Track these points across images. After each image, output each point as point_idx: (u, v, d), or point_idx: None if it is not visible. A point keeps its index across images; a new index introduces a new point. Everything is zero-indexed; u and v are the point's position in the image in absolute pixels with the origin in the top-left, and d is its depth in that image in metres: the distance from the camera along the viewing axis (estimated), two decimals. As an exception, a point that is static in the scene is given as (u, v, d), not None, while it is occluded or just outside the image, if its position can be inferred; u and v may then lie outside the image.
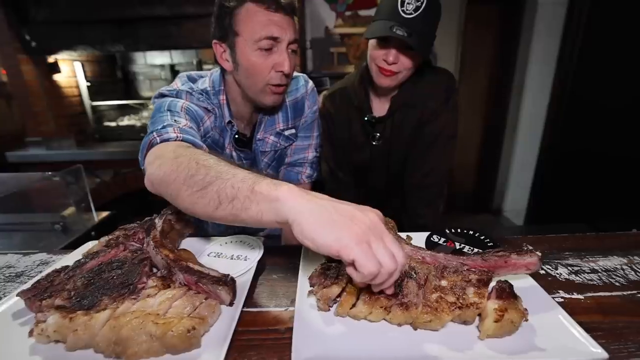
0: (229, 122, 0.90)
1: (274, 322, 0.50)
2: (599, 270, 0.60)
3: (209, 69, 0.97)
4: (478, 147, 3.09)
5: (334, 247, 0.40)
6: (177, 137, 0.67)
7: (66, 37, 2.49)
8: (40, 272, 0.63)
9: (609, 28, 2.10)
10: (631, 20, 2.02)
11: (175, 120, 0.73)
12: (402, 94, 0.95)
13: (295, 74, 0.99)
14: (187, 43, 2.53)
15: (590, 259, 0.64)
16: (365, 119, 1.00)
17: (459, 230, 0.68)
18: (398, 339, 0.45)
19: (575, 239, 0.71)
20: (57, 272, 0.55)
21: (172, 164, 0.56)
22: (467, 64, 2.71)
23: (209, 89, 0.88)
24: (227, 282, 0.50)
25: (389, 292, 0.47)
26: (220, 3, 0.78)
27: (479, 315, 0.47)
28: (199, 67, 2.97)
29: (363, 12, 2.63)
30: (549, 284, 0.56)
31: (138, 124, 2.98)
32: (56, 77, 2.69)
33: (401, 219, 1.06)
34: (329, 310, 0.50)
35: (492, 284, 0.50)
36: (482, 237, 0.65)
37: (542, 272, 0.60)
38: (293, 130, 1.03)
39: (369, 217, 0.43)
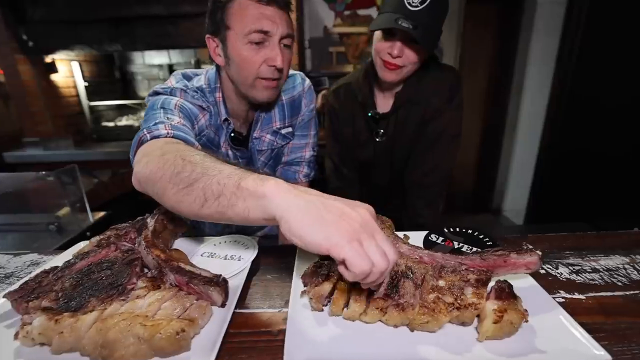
0: (225, 120, 0.89)
1: (267, 324, 0.48)
2: (601, 269, 0.59)
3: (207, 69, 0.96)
4: (477, 147, 3.08)
5: (324, 246, 0.38)
6: (168, 133, 0.65)
7: (63, 37, 2.48)
8: (31, 273, 0.62)
9: (608, 27, 2.09)
10: (630, 19, 2.01)
11: (167, 118, 0.72)
12: (406, 90, 0.94)
13: (292, 72, 0.98)
14: (185, 42, 2.52)
15: (592, 258, 0.63)
16: (369, 114, 0.98)
17: (457, 229, 0.66)
18: (394, 341, 0.44)
19: (576, 238, 0.70)
20: (45, 273, 0.54)
21: (159, 162, 0.55)
22: (466, 63, 2.70)
23: (204, 86, 0.87)
24: (219, 282, 0.49)
25: (380, 289, 0.45)
26: None
27: (478, 316, 0.46)
28: (197, 66, 2.97)
29: (362, 12, 2.62)
30: (550, 284, 0.55)
31: (136, 124, 2.96)
32: (53, 77, 2.68)
33: (401, 218, 1.05)
34: (323, 309, 0.49)
35: (491, 284, 0.49)
36: (481, 236, 0.64)
37: (543, 271, 0.59)
38: (290, 129, 1.02)
39: (359, 213, 0.41)
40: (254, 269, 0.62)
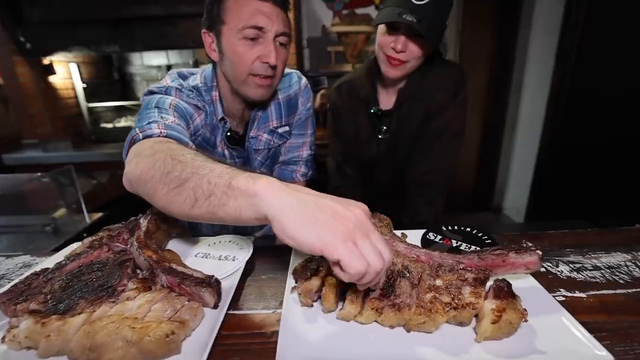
0: (222, 119, 0.88)
1: (261, 326, 0.47)
2: (602, 267, 0.58)
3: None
4: (477, 145, 3.07)
5: (317, 246, 0.37)
6: (161, 133, 0.64)
7: (61, 38, 2.48)
8: (22, 275, 0.61)
9: (607, 24, 2.08)
10: (629, 16, 2.00)
11: (161, 117, 0.71)
12: (410, 86, 0.92)
13: (288, 70, 0.97)
14: (183, 43, 2.51)
15: (593, 255, 0.61)
16: (372, 111, 0.97)
17: (455, 228, 0.65)
18: (390, 342, 0.43)
19: (577, 235, 0.69)
20: (35, 274, 0.53)
21: (149, 161, 0.54)
22: (465, 61, 2.68)
23: (200, 85, 0.86)
24: (212, 283, 0.48)
25: (375, 289, 0.44)
26: None
27: (476, 316, 0.44)
28: (195, 67, 2.95)
29: (360, 11, 2.61)
30: (550, 282, 0.54)
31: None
32: (51, 78, 2.68)
33: (401, 217, 1.04)
34: (312, 305, 0.48)
35: (490, 282, 0.48)
36: (479, 235, 0.63)
37: (543, 269, 0.58)
38: (287, 128, 1.01)
39: (353, 213, 0.40)
40: (249, 269, 0.61)
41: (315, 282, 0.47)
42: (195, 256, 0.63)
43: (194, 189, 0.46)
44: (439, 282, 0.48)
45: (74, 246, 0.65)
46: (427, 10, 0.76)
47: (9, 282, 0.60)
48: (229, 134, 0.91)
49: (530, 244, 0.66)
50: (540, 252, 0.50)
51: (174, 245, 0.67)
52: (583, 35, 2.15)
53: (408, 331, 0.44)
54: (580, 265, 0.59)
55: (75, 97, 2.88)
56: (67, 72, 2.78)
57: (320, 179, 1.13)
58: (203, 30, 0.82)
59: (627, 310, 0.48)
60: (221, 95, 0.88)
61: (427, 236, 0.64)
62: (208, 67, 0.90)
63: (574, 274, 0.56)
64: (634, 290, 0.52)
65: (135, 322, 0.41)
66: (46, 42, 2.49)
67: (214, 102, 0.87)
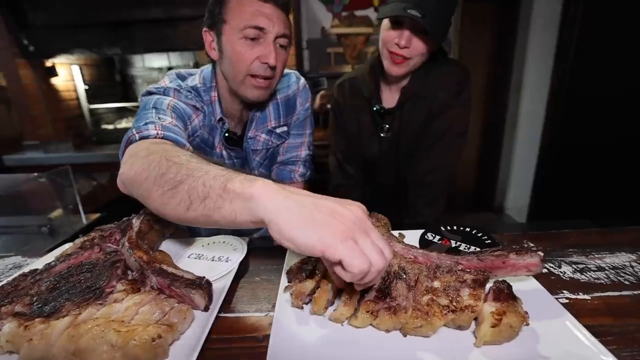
0: (220, 119, 0.87)
1: (253, 329, 0.46)
2: (606, 267, 0.56)
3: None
4: (478, 145, 3.05)
5: (318, 248, 0.36)
6: (158, 134, 0.64)
7: (63, 41, 2.49)
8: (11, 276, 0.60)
9: (606, 22, 2.06)
10: (627, 15, 1.98)
11: (159, 118, 0.70)
12: (413, 84, 0.91)
13: (287, 70, 0.97)
14: (184, 45, 2.52)
15: (596, 255, 0.60)
16: (375, 109, 0.96)
17: (455, 228, 0.64)
18: (386, 347, 0.41)
19: (579, 235, 0.67)
20: (24, 276, 0.52)
21: (144, 163, 0.53)
22: (465, 61, 2.67)
23: (199, 85, 0.86)
24: (202, 285, 0.47)
25: (371, 291, 0.43)
26: None
27: (475, 319, 0.43)
28: (196, 68, 2.96)
29: (359, 13, 2.61)
30: (552, 284, 0.52)
31: (135, 126, 2.96)
32: (54, 80, 2.69)
33: (402, 217, 1.03)
34: (302, 307, 0.47)
35: (489, 284, 0.46)
36: (479, 235, 0.61)
37: (544, 270, 0.56)
38: (285, 128, 1.00)
39: (352, 211, 0.39)
40: (243, 270, 0.59)
41: (309, 285, 0.46)
42: (189, 257, 0.61)
43: (189, 191, 0.45)
44: (436, 284, 0.46)
45: (65, 247, 0.64)
46: (432, 6, 0.75)
47: (-2, 284, 0.59)
48: (227, 134, 0.91)
49: (531, 245, 0.64)
50: (541, 254, 0.49)
51: (167, 245, 0.66)
52: (581, 33, 2.14)
53: (404, 335, 0.42)
54: (584, 266, 0.57)
55: (77, 98, 2.89)
56: (69, 74, 2.80)
57: (319, 180, 1.11)
58: (204, 29, 0.82)
59: (633, 313, 0.46)
60: (220, 95, 0.88)
61: (426, 236, 0.62)
62: (207, 68, 0.89)
63: (577, 275, 0.54)
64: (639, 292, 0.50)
65: (121, 326, 0.39)
66: (49, 45, 2.50)
67: (212, 102, 0.87)
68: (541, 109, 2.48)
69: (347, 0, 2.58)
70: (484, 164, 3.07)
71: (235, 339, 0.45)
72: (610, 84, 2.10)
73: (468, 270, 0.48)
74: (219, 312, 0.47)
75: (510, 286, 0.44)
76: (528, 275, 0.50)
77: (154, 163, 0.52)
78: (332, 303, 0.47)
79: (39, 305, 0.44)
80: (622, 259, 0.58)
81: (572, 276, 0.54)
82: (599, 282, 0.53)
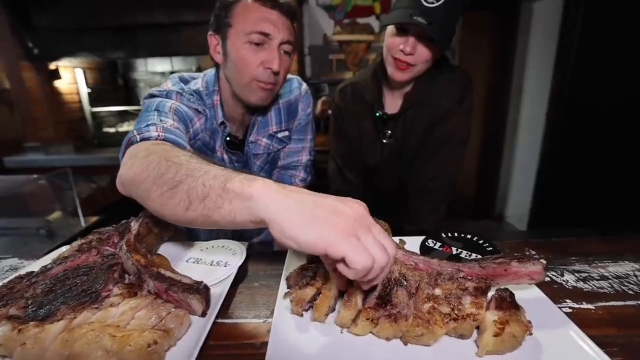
0: (222, 123, 0.88)
1: (251, 335, 0.45)
2: (610, 276, 0.55)
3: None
4: (478, 152, 3.05)
5: (320, 245, 0.36)
6: (159, 136, 0.63)
7: (68, 44, 2.52)
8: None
9: (606, 28, 2.07)
10: (627, 20, 1.99)
11: (160, 120, 0.70)
12: (416, 91, 0.91)
13: (290, 76, 0.97)
14: (187, 50, 2.54)
15: (599, 264, 0.59)
16: (377, 115, 0.95)
17: (456, 235, 0.63)
18: (386, 355, 0.40)
19: (582, 243, 0.66)
20: (20, 278, 0.51)
21: (143, 163, 0.53)
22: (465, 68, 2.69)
23: (201, 89, 0.86)
24: (200, 289, 0.46)
25: (371, 298, 0.42)
26: None
27: (477, 328, 0.42)
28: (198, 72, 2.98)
29: (361, 20, 2.64)
30: (555, 293, 0.51)
31: (137, 130, 2.96)
32: (57, 83, 2.71)
33: (403, 223, 1.02)
34: (302, 315, 0.46)
35: (491, 292, 0.45)
36: (480, 242, 0.61)
37: (547, 278, 0.55)
38: (286, 133, 1.00)
39: (353, 208, 0.39)
40: (241, 275, 0.58)
41: (309, 292, 0.45)
42: (187, 261, 0.61)
43: (188, 191, 0.45)
44: (437, 292, 0.45)
45: (63, 249, 0.64)
46: (439, 13, 0.75)
47: (-7, 286, 0.58)
48: (228, 138, 0.91)
49: (533, 252, 0.64)
50: (544, 261, 0.48)
51: (166, 249, 0.65)
52: (581, 39, 2.14)
53: (405, 344, 0.41)
54: (587, 274, 0.56)
55: (80, 101, 2.91)
56: (72, 77, 2.82)
57: (320, 185, 1.11)
58: (209, 33, 0.82)
59: (638, 323, 0.45)
60: (222, 99, 0.88)
61: (426, 243, 0.62)
62: (210, 71, 0.90)
63: (581, 284, 0.54)
64: (644, 302, 0.49)
65: (117, 331, 0.39)
66: (53, 48, 2.53)
67: (214, 106, 0.87)
68: (541, 116, 2.48)
69: (349, 7, 2.61)
70: (485, 170, 3.07)
71: (233, 345, 0.44)
72: (611, 90, 2.10)
73: (470, 277, 0.47)
74: (217, 317, 0.46)
75: (513, 294, 0.44)
76: (530, 284, 0.49)
77: (153, 163, 0.51)
78: (333, 310, 0.47)
79: (34, 309, 0.43)
80: (625, 267, 0.58)
81: (575, 285, 0.54)
82: (602, 291, 0.52)
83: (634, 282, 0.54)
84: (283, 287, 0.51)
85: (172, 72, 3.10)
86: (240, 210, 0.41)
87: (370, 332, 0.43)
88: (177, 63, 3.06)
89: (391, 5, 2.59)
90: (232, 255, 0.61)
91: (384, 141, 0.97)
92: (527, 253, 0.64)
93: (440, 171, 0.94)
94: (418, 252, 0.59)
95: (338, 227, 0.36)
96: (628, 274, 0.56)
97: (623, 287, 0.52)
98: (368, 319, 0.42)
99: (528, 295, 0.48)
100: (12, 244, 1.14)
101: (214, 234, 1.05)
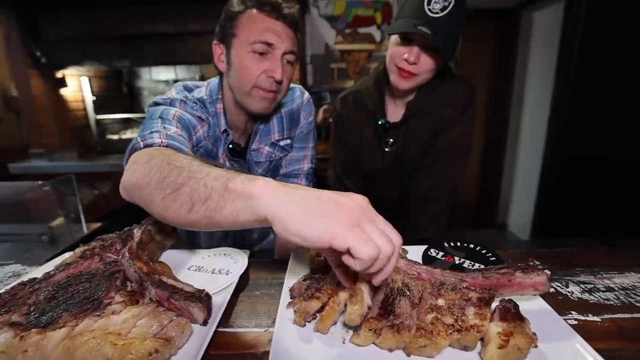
0: (224, 131, 0.88)
1: (252, 345, 0.45)
2: (616, 288, 0.55)
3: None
4: (480, 161, 3.05)
5: (325, 238, 0.36)
6: (162, 142, 0.64)
7: (75, 53, 2.57)
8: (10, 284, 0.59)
9: (607, 36, 2.08)
10: (627, 28, 2.00)
11: (164, 127, 0.71)
12: (419, 100, 0.91)
13: (292, 85, 0.98)
14: (191, 59, 2.58)
15: (605, 275, 0.58)
16: (379, 123, 0.95)
17: (458, 244, 0.63)
18: (389, 366, 0.40)
19: (586, 254, 0.66)
20: (22, 284, 0.51)
21: (145, 168, 0.53)
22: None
23: (205, 97, 0.87)
24: (202, 298, 0.46)
25: (373, 308, 0.41)
26: (226, 8, 0.80)
27: (481, 340, 0.41)
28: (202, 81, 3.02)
29: (362, 30, 2.68)
30: (560, 304, 0.50)
31: (140, 137, 2.99)
32: (63, 91, 2.75)
33: (404, 233, 1.01)
34: (304, 326, 0.45)
35: (495, 303, 0.45)
36: (483, 252, 0.60)
37: (552, 290, 0.54)
38: (288, 141, 1.01)
39: (356, 200, 0.40)
40: (243, 284, 0.58)
41: (314, 305, 0.45)
42: (189, 269, 0.61)
43: (190, 193, 0.45)
44: (441, 302, 0.45)
45: (66, 256, 0.64)
46: (443, 23, 0.75)
47: (-4, 293, 0.58)
48: (231, 145, 0.91)
49: (537, 263, 0.63)
50: (548, 272, 0.48)
51: (167, 257, 0.65)
52: (582, 46, 2.15)
53: (408, 355, 0.41)
54: (592, 286, 0.55)
55: (84, 109, 2.94)
56: (78, 85, 2.86)
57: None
58: (214, 42, 0.84)
59: (645, 336, 0.44)
60: (225, 107, 0.89)
61: (429, 252, 0.61)
62: (214, 80, 0.91)
63: (586, 295, 0.53)
64: (651, 314, 0.48)
65: (118, 339, 0.38)
66: (61, 57, 2.58)
67: (217, 114, 0.88)
68: (543, 124, 2.48)
69: (351, 18, 2.66)
70: (486, 179, 3.06)
71: (234, 355, 0.43)
72: (612, 98, 2.10)
73: (473, 288, 0.47)
74: (218, 326, 0.46)
75: (517, 305, 0.43)
76: (535, 295, 0.49)
77: (155, 168, 0.52)
78: (335, 323, 0.46)
79: (36, 315, 0.43)
80: (631, 279, 0.57)
81: (580, 296, 0.53)
82: (609, 303, 0.51)
83: (640, 294, 0.53)
84: (285, 296, 0.51)
85: (176, 81, 3.14)
86: (242, 210, 0.41)
87: (373, 343, 0.42)
88: (181, 72, 3.11)
89: (392, 16, 2.64)
90: (234, 264, 0.60)
91: (386, 149, 0.97)
92: (531, 263, 0.63)
93: (441, 180, 0.94)
94: (420, 261, 0.59)
95: (342, 219, 0.37)
96: (635, 285, 0.55)
97: (630, 299, 0.52)
98: (370, 330, 0.41)
99: (532, 306, 0.48)
100: (15, 250, 1.14)
101: (215, 242, 1.05)
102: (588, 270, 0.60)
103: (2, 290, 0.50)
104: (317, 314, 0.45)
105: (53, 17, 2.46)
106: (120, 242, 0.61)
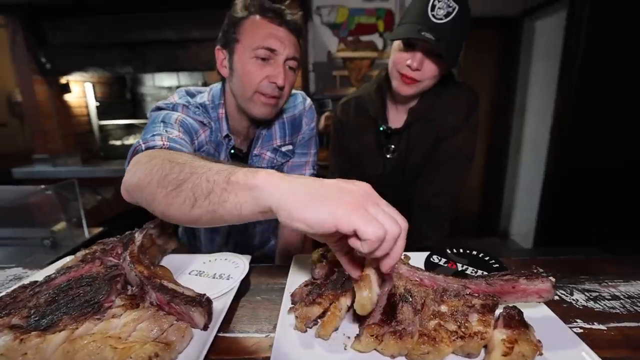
0: (226, 135, 0.89)
1: (252, 351, 0.44)
2: (621, 296, 0.54)
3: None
4: (482, 169, 3.05)
5: (330, 222, 0.36)
6: (164, 145, 0.64)
7: (79, 60, 2.60)
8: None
9: (609, 45, 2.09)
10: (630, 37, 2.01)
11: (166, 131, 0.71)
12: (422, 106, 0.90)
13: (294, 91, 0.99)
14: (193, 65, 2.61)
15: (610, 283, 0.57)
16: (381, 129, 0.94)
17: (461, 251, 0.62)
18: (391, 373, 0.39)
19: (590, 262, 0.65)
20: (23, 287, 0.51)
21: (146, 168, 0.53)
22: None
23: (207, 102, 0.88)
24: (202, 302, 0.45)
25: (375, 314, 0.41)
26: (230, 14, 0.81)
27: (485, 347, 0.41)
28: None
29: (365, 38, 2.72)
30: (565, 312, 0.50)
31: (142, 142, 3.01)
32: (67, 97, 2.78)
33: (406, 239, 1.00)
34: (306, 331, 0.45)
35: (499, 310, 0.44)
36: (486, 258, 0.60)
37: (556, 297, 0.54)
38: (290, 147, 1.01)
39: (359, 185, 0.40)
40: (244, 289, 0.58)
41: (316, 311, 0.44)
42: (189, 274, 0.60)
43: (193, 188, 0.45)
44: (443, 308, 0.45)
45: (67, 259, 0.64)
46: (447, 29, 0.74)
47: (-4, 296, 0.58)
48: (232, 151, 0.92)
49: (541, 270, 0.63)
50: (553, 279, 0.47)
51: (168, 261, 0.65)
52: (584, 55, 2.16)
53: (411, 362, 0.40)
54: (597, 294, 0.55)
55: (88, 115, 2.97)
56: (82, 91, 2.89)
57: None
58: (217, 47, 0.85)
59: (652, 345, 0.44)
60: (227, 112, 0.90)
61: (431, 259, 0.61)
62: (216, 86, 0.92)
63: (591, 304, 0.52)
64: (658, 323, 0.48)
65: (118, 342, 0.38)
66: (65, 63, 2.61)
67: (219, 119, 0.89)
68: (545, 133, 2.48)
69: (353, 25, 2.69)
70: (489, 187, 3.05)
71: (234, 360, 0.43)
72: (615, 107, 2.10)
73: (476, 294, 0.47)
74: (218, 331, 0.46)
75: (522, 312, 0.43)
76: (539, 302, 0.48)
77: (156, 166, 0.52)
78: (337, 329, 0.46)
79: (36, 318, 0.43)
80: (637, 287, 0.56)
81: (585, 304, 0.52)
82: (614, 311, 0.50)
83: (646, 302, 0.52)
84: (286, 302, 0.50)
85: (178, 87, 3.17)
86: (246, 202, 0.41)
87: (375, 349, 0.41)
88: (184, 78, 3.14)
89: (394, 24, 2.67)
90: (235, 268, 0.60)
91: (387, 156, 0.96)
92: (535, 271, 0.62)
93: (444, 187, 0.93)
94: (422, 268, 0.58)
95: (346, 202, 0.37)
96: (640, 293, 0.55)
97: (636, 308, 0.51)
98: (372, 336, 0.41)
99: (536, 314, 0.47)
100: (18, 253, 1.14)
101: (216, 248, 1.05)
102: (592, 278, 0.59)
103: (3, 293, 0.50)
104: (319, 320, 0.45)
105: (58, 24, 2.50)
106: (122, 246, 0.61)
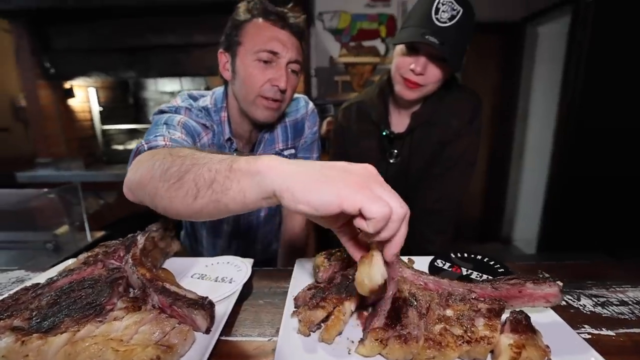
0: (229, 139, 0.89)
1: (255, 354, 0.44)
2: (630, 302, 0.53)
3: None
4: (485, 175, 3.04)
5: (335, 203, 0.35)
6: (166, 145, 0.65)
7: (83, 64, 2.63)
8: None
9: (612, 52, 2.10)
10: (633, 44, 2.01)
11: (169, 132, 0.72)
12: (424, 110, 0.89)
13: (297, 95, 0.99)
14: (196, 70, 2.63)
15: (618, 289, 0.57)
16: (384, 134, 0.94)
17: (465, 255, 0.62)
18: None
19: (597, 267, 0.64)
20: (25, 289, 0.51)
21: (148, 165, 0.53)
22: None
23: (210, 106, 0.88)
24: (205, 305, 0.45)
25: (380, 318, 0.40)
26: (232, 17, 0.82)
27: (492, 352, 0.40)
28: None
29: (367, 43, 2.73)
30: (572, 317, 0.49)
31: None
32: (70, 101, 2.80)
33: (408, 245, 0.99)
34: (309, 335, 0.44)
35: (505, 315, 0.44)
36: (491, 263, 0.59)
37: (563, 303, 0.53)
38: (292, 151, 1.01)
39: (363, 167, 0.40)
40: (246, 292, 0.57)
41: (319, 314, 0.44)
42: (192, 277, 0.60)
43: (195, 179, 0.44)
44: (449, 313, 0.44)
45: (69, 262, 0.63)
46: (451, 33, 0.73)
47: (-2, 298, 0.57)
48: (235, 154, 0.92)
49: (547, 275, 0.62)
50: (560, 283, 0.46)
51: (170, 264, 0.65)
52: (587, 61, 2.15)
53: (416, 367, 0.40)
54: (605, 299, 0.54)
55: (91, 119, 2.99)
56: (85, 96, 2.92)
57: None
58: (220, 50, 0.85)
59: (662, 352, 0.43)
60: (230, 116, 0.90)
61: (435, 263, 0.60)
62: (219, 89, 0.92)
63: (599, 309, 0.52)
64: (667, 329, 0.47)
65: (120, 345, 0.38)
66: (69, 68, 2.64)
67: (222, 122, 0.89)
68: (548, 139, 2.48)
69: (355, 31, 2.71)
70: (491, 193, 3.04)
71: (237, 365, 0.42)
72: (618, 113, 2.10)
73: (482, 299, 0.46)
74: (220, 335, 0.45)
75: (529, 317, 0.42)
76: (546, 307, 0.48)
77: (158, 162, 0.51)
78: (340, 333, 0.45)
79: (38, 320, 0.42)
80: (644, 292, 0.55)
81: (593, 310, 0.52)
82: (623, 317, 0.50)
83: (655, 308, 0.51)
84: (289, 305, 0.50)
85: (180, 91, 3.19)
86: (249, 188, 0.40)
87: (379, 354, 0.41)
88: (186, 83, 3.16)
89: (396, 29, 2.69)
90: (237, 272, 0.60)
91: (390, 161, 0.95)
92: (541, 275, 0.62)
93: (447, 192, 0.92)
94: (427, 272, 0.58)
95: (350, 182, 0.37)
96: (648, 299, 0.54)
97: (644, 313, 0.50)
98: (377, 340, 0.40)
99: (544, 319, 0.46)
100: (20, 257, 1.14)
101: (218, 251, 1.04)
102: (600, 284, 0.58)
103: (5, 295, 0.50)
104: (322, 324, 0.44)
105: (62, 29, 2.53)
106: (124, 248, 0.60)
